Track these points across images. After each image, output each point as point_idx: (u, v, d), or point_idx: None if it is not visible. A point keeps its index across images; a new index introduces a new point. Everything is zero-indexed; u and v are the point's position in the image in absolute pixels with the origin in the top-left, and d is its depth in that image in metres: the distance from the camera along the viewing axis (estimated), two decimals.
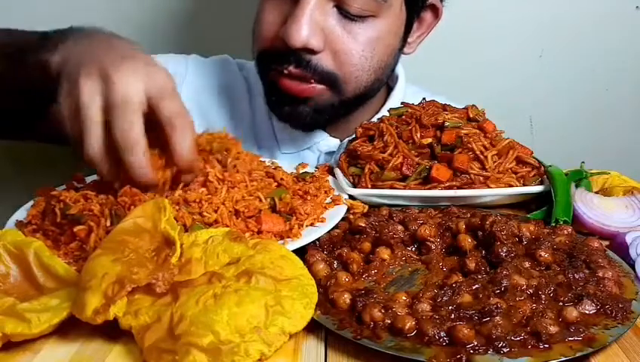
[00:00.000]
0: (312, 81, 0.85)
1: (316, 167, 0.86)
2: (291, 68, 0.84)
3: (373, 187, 0.79)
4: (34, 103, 0.84)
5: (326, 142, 0.99)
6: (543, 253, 0.59)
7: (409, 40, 0.95)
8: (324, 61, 0.84)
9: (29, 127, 0.91)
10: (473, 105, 0.87)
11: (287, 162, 0.85)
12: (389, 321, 0.50)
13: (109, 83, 0.59)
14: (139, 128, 0.59)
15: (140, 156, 0.59)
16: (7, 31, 0.82)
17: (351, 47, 0.85)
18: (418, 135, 0.81)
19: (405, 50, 0.96)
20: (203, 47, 1.14)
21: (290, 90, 0.86)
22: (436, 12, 0.95)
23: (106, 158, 0.61)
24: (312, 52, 0.83)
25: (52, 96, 0.76)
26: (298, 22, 0.80)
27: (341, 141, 0.98)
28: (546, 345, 0.47)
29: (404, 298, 0.53)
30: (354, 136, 0.89)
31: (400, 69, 1.04)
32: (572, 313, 0.50)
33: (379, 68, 0.90)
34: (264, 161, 0.80)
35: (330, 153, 1.00)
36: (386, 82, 0.99)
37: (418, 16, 0.94)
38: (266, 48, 0.87)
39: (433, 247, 0.64)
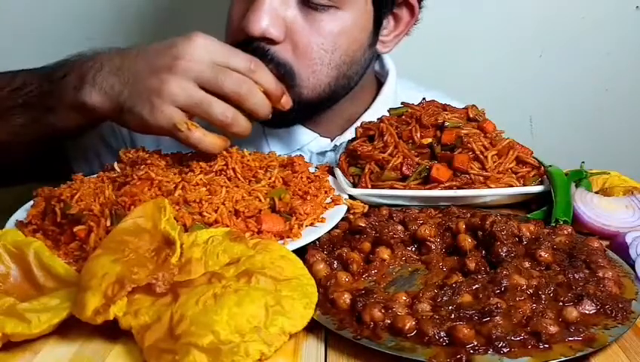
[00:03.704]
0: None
1: (316, 167, 0.86)
2: None
3: (373, 187, 0.79)
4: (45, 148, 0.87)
5: (317, 143, 0.98)
6: (543, 253, 0.59)
7: (383, 38, 0.94)
8: (282, 52, 0.83)
9: (24, 172, 0.92)
10: (473, 105, 0.87)
11: None
12: (389, 321, 0.50)
13: (184, 70, 0.68)
14: (243, 76, 0.71)
15: (261, 96, 0.72)
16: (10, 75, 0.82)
17: (312, 40, 0.83)
18: (418, 135, 0.81)
19: (380, 48, 0.94)
20: None
21: None
22: (412, 10, 0.93)
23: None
24: (272, 42, 0.82)
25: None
26: (258, 10, 0.79)
27: (332, 140, 0.98)
28: (546, 345, 0.47)
29: (404, 298, 0.53)
30: (353, 136, 0.89)
31: (391, 64, 1.03)
32: (572, 313, 0.50)
33: (342, 63, 0.87)
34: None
35: (322, 153, 0.99)
36: (359, 78, 0.95)
37: (390, 11, 0.92)
38: (232, 41, 0.85)
39: (433, 247, 0.64)
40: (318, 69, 0.85)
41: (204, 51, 0.69)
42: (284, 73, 0.83)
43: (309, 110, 0.91)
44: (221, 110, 0.69)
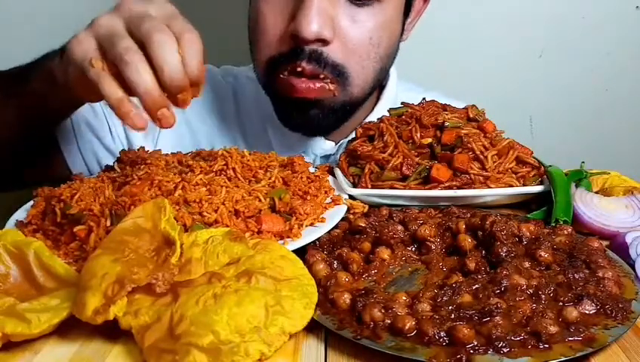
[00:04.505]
0: (323, 76, 0.83)
1: (316, 168, 0.86)
2: (304, 64, 0.82)
3: (373, 187, 0.79)
4: (34, 137, 0.85)
5: (321, 146, 0.98)
6: (543, 253, 0.59)
7: (405, 27, 0.95)
8: (334, 52, 0.83)
9: (18, 176, 0.91)
10: (473, 105, 0.87)
11: None
12: (389, 321, 0.50)
13: (123, 8, 0.59)
14: (168, 30, 0.58)
15: (175, 51, 0.56)
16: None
17: (359, 35, 0.84)
18: (418, 135, 0.81)
19: (402, 37, 0.95)
20: None
21: (301, 92, 0.84)
22: None
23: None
24: (324, 43, 0.82)
25: (55, 109, 0.76)
26: (309, 14, 0.79)
27: (336, 144, 0.98)
28: (546, 345, 0.47)
29: (404, 298, 0.53)
30: (354, 136, 0.89)
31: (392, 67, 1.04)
32: (572, 313, 0.50)
33: (385, 55, 0.89)
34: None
35: (326, 156, 0.99)
36: (388, 73, 0.98)
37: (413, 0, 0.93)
38: (274, 53, 0.85)
39: (433, 247, 0.64)
40: (367, 64, 0.86)
41: (153, 4, 0.61)
42: (338, 75, 0.84)
43: (350, 113, 0.91)
44: (126, 46, 0.57)
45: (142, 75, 0.55)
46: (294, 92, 0.84)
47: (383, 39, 0.87)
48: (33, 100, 0.76)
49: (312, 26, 0.79)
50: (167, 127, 0.58)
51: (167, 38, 0.57)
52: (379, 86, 1.03)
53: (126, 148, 0.96)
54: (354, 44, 0.84)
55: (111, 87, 0.57)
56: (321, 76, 0.83)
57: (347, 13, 0.83)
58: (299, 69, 0.82)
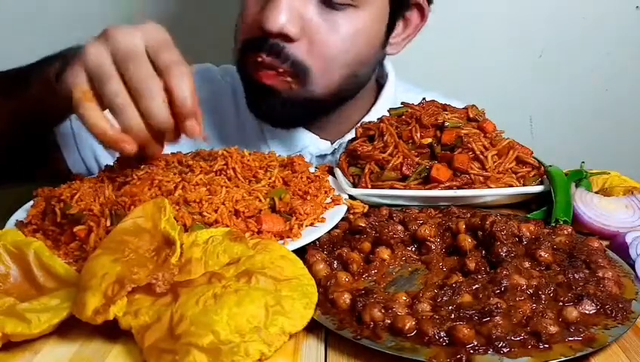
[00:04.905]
0: (281, 70, 0.83)
1: (316, 167, 0.86)
2: (264, 55, 0.82)
3: (373, 187, 0.79)
4: (35, 139, 0.85)
5: (317, 145, 0.98)
6: (543, 253, 0.59)
7: (392, 40, 0.94)
8: (298, 50, 0.83)
9: (29, 175, 0.92)
10: (473, 105, 0.87)
11: None
12: (389, 321, 0.50)
13: (112, 40, 0.61)
14: (154, 74, 0.61)
15: (160, 100, 0.60)
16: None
17: (329, 39, 0.83)
18: (418, 135, 0.81)
19: (389, 50, 0.95)
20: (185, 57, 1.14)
21: (260, 80, 0.84)
22: (422, 12, 0.94)
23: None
24: (288, 40, 0.82)
25: (54, 119, 0.77)
26: (276, 7, 0.79)
27: (332, 143, 0.98)
28: (546, 345, 0.47)
29: (404, 298, 0.53)
30: (353, 136, 0.89)
31: (389, 67, 1.04)
32: (572, 313, 0.50)
33: (356, 62, 0.88)
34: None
35: (322, 156, 0.99)
36: (367, 80, 0.97)
37: (402, 14, 0.93)
38: (246, 38, 0.86)
39: (433, 247, 0.64)
40: (332, 67, 0.86)
41: (143, 31, 0.62)
42: (297, 72, 0.83)
43: (316, 110, 0.91)
44: (115, 90, 0.60)
45: (131, 120, 0.60)
46: (256, 77, 0.85)
47: (356, 46, 0.86)
48: (32, 103, 0.76)
49: (278, 19, 0.79)
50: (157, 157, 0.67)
51: (154, 88, 0.60)
52: (377, 85, 1.03)
53: None
54: (321, 46, 0.83)
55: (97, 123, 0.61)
56: (280, 70, 0.83)
57: (320, 15, 0.83)
58: (259, 59, 0.83)
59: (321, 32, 0.83)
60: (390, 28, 0.91)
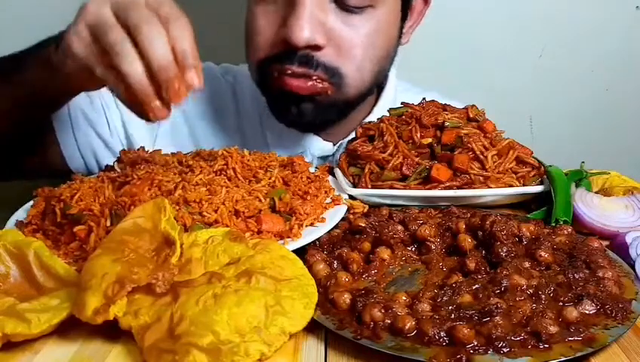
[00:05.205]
0: (315, 77, 0.84)
1: (316, 168, 0.86)
2: (294, 67, 0.83)
3: (373, 187, 0.79)
4: (30, 125, 0.84)
5: (319, 146, 0.98)
6: (543, 253, 0.59)
7: (404, 30, 0.95)
8: (327, 56, 0.84)
9: (17, 164, 0.91)
10: (473, 105, 0.87)
11: None
12: (389, 321, 0.50)
13: None
14: (156, 19, 0.58)
15: (163, 41, 0.57)
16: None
17: (354, 40, 0.85)
18: (418, 135, 0.81)
19: (402, 39, 0.96)
20: None
21: (292, 88, 0.85)
22: None
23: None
24: (316, 49, 0.83)
25: (51, 99, 0.76)
26: (300, 21, 0.80)
27: (334, 145, 0.98)
28: (546, 345, 0.47)
29: (404, 298, 0.53)
30: (354, 136, 0.89)
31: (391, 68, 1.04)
32: (572, 313, 0.50)
33: (382, 57, 0.90)
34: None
35: (324, 157, 0.99)
36: (387, 75, 0.98)
37: (411, 4, 0.94)
38: (266, 55, 0.86)
39: (433, 247, 0.64)
40: (362, 66, 0.87)
41: None
42: (332, 76, 0.85)
43: (347, 112, 0.92)
44: (117, 37, 0.58)
45: (132, 64, 0.56)
46: (286, 86, 0.85)
47: (379, 42, 0.88)
48: (28, 87, 0.76)
49: (304, 32, 0.80)
50: (161, 119, 0.59)
51: (155, 29, 0.57)
52: (377, 87, 1.03)
53: (124, 142, 0.97)
54: (348, 48, 0.85)
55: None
56: (313, 77, 0.84)
57: (340, 20, 0.84)
58: (289, 72, 0.83)
59: (345, 36, 0.84)
60: (403, 18, 0.93)
